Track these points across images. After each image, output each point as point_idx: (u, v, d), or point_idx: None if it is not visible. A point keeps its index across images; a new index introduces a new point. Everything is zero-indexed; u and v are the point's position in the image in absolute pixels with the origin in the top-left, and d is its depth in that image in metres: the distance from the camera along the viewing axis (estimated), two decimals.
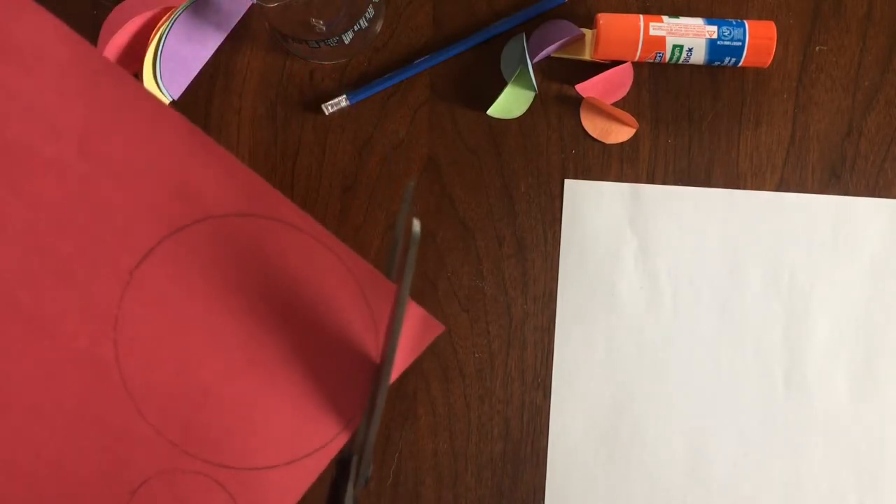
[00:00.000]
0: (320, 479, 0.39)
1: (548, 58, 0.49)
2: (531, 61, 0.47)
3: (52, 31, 0.38)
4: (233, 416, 0.39)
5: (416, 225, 0.33)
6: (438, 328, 0.38)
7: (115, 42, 0.46)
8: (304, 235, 0.38)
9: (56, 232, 0.38)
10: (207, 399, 0.38)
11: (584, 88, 0.48)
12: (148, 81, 0.47)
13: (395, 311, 0.36)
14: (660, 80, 0.49)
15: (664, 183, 0.49)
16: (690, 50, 0.47)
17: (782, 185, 0.49)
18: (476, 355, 0.49)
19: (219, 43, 0.49)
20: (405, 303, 0.35)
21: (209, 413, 0.39)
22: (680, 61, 0.48)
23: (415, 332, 0.39)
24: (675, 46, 0.47)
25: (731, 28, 0.47)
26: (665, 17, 0.47)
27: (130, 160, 0.38)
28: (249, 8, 0.49)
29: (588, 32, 0.48)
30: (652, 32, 0.46)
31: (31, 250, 0.38)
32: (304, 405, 0.39)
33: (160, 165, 0.38)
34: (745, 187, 0.49)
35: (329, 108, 0.48)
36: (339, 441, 0.39)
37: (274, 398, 0.39)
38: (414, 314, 0.38)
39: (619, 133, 0.49)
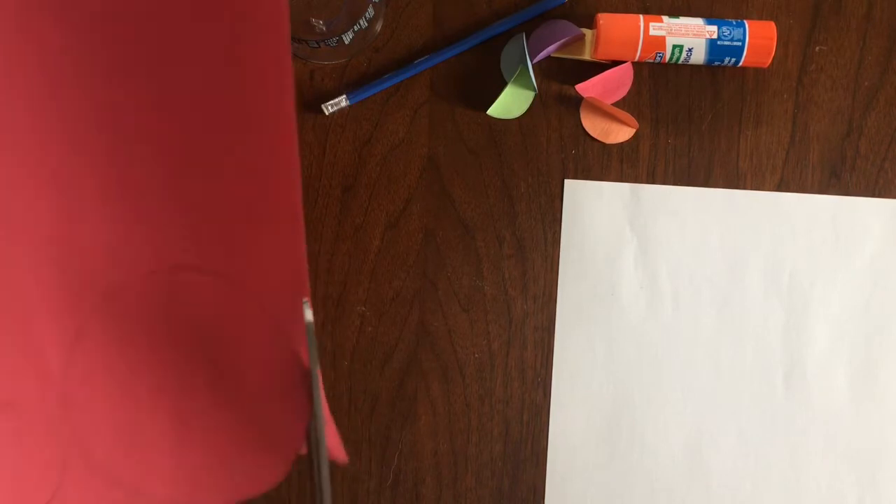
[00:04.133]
0: None
1: (548, 58, 0.49)
2: (531, 61, 0.47)
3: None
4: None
5: (308, 314, 0.36)
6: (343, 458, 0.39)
7: None
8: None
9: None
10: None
11: (584, 88, 0.48)
12: None
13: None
14: (660, 80, 0.49)
15: (664, 183, 0.49)
16: (690, 50, 0.47)
17: (782, 185, 0.49)
18: (476, 355, 0.49)
19: None
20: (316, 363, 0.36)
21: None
22: (680, 61, 0.48)
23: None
24: (675, 46, 0.47)
25: (731, 28, 0.47)
26: (665, 17, 0.47)
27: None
28: None
29: (588, 32, 0.48)
30: (652, 32, 0.46)
31: None
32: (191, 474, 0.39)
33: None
34: (745, 187, 0.49)
35: (329, 108, 0.48)
36: None
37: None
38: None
39: (619, 133, 0.49)
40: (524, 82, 0.48)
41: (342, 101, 0.48)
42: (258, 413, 0.39)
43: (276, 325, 0.38)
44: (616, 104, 0.49)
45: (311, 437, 0.38)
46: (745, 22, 0.47)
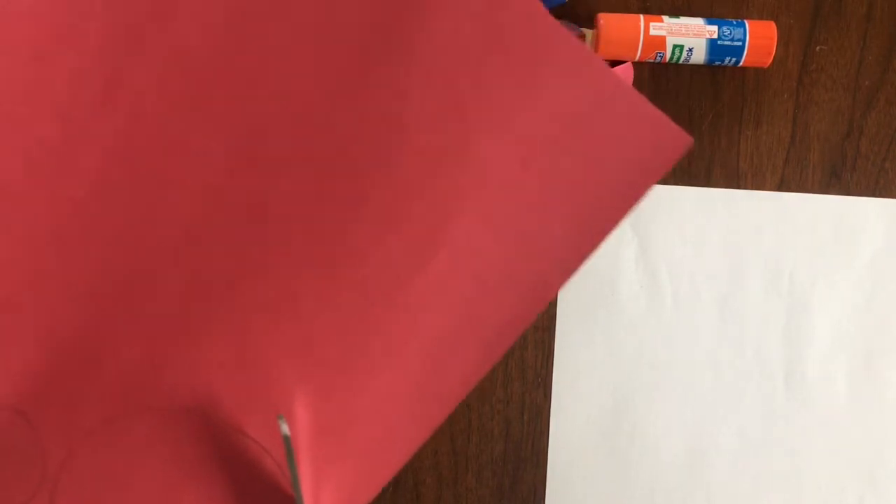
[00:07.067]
0: None
1: None
2: None
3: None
4: None
5: (284, 428, 0.34)
6: (684, 139, 0.34)
7: None
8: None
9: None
10: None
11: None
12: None
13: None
14: (660, 80, 0.49)
15: (664, 183, 0.49)
16: (691, 50, 0.47)
17: (783, 185, 0.49)
18: None
19: None
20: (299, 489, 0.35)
21: None
22: (680, 61, 0.48)
23: (657, 145, 0.34)
24: (675, 46, 0.47)
25: (731, 28, 0.47)
26: (665, 17, 0.47)
27: None
28: None
29: (588, 32, 0.48)
30: (652, 32, 0.47)
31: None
32: None
33: None
34: (745, 187, 0.49)
35: None
36: None
37: None
38: (654, 121, 0.34)
39: None
40: None
41: None
42: None
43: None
44: None
45: None
46: (746, 22, 0.47)
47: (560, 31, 0.34)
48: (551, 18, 0.34)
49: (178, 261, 0.35)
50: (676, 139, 0.35)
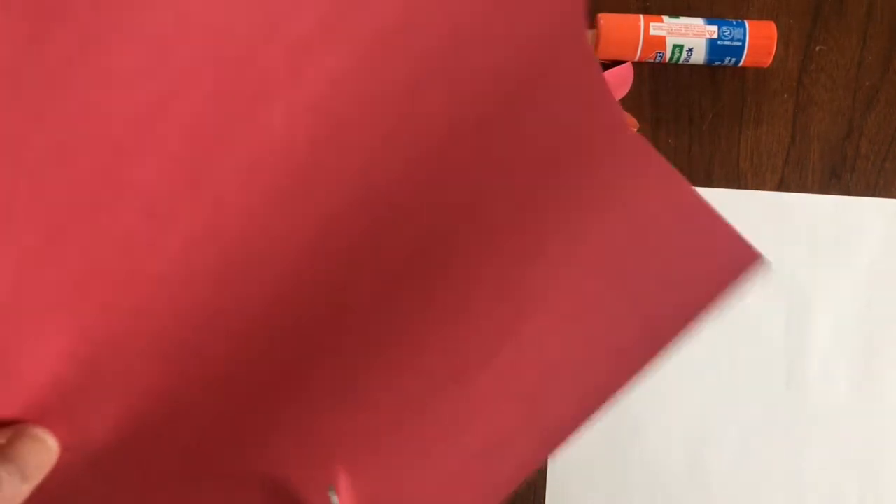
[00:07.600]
0: None
1: None
2: None
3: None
4: None
5: (335, 499, 0.35)
6: (754, 256, 0.34)
7: None
8: None
9: None
10: None
11: None
12: None
13: None
14: (660, 79, 0.49)
15: None
16: (691, 50, 0.47)
17: (783, 185, 0.49)
18: None
19: None
20: None
21: None
22: (680, 61, 0.48)
23: (731, 266, 0.35)
24: (675, 46, 0.47)
25: (731, 28, 0.47)
26: (665, 17, 0.47)
27: None
28: None
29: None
30: (652, 32, 0.47)
31: None
32: None
33: None
34: (745, 187, 0.49)
35: None
36: None
37: None
38: (731, 241, 0.34)
39: None
40: None
41: None
42: None
43: None
44: None
45: None
46: (746, 22, 0.47)
47: (643, 145, 0.34)
48: (634, 132, 0.34)
49: (252, 342, 0.35)
50: (750, 260, 0.36)
